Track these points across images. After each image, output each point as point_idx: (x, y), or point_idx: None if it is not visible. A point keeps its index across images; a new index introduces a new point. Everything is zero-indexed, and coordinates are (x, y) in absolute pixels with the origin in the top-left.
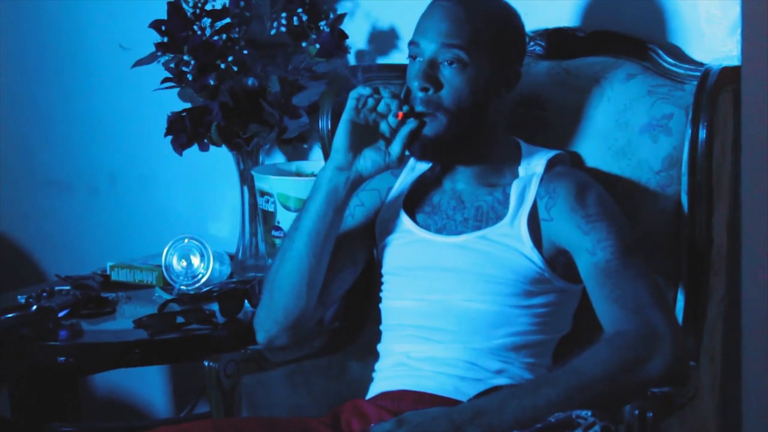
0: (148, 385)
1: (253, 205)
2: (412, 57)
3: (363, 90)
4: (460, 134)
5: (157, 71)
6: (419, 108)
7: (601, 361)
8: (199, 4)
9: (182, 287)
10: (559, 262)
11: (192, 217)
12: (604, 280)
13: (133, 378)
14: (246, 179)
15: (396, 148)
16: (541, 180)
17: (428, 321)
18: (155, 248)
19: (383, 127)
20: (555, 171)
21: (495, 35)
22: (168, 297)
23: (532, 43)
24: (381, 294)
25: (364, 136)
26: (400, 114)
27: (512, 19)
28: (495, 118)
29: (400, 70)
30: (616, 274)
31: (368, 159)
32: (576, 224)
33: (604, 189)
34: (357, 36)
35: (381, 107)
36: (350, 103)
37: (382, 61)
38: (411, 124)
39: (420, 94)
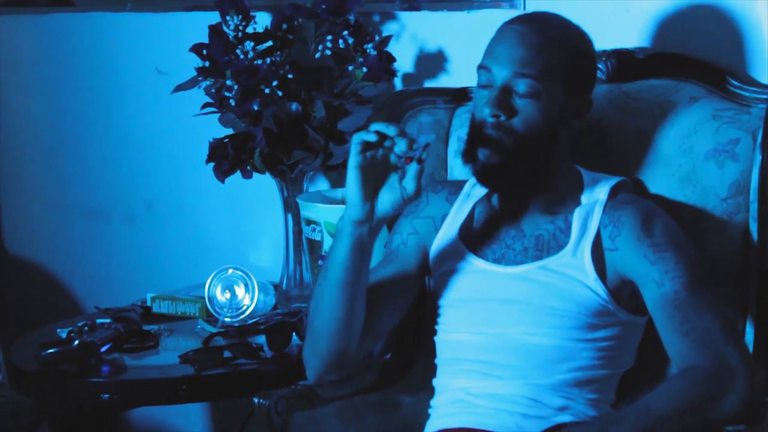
0: (188, 419)
1: (298, 233)
2: (482, 85)
3: (366, 135)
4: (527, 163)
5: (196, 96)
6: (490, 132)
7: (672, 398)
8: (241, 27)
9: (227, 319)
10: (623, 294)
11: (232, 246)
12: (673, 313)
13: (173, 411)
14: (290, 207)
15: (411, 184)
16: (605, 208)
17: (487, 355)
18: (195, 278)
19: (393, 159)
20: (619, 198)
21: (569, 64)
22: (212, 330)
23: None
24: (436, 326)
25: (375, 178)
26: (408, 159)
27: (586, 46)
28: (562, 148)
29: (448, 93)
30: (686, 306)
31: (386, 202)
32: (643, 254)
33: (671, 217)
34: (404, 59)
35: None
36: (354, 149)
37: (429, 84)
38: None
39: (491, 120)
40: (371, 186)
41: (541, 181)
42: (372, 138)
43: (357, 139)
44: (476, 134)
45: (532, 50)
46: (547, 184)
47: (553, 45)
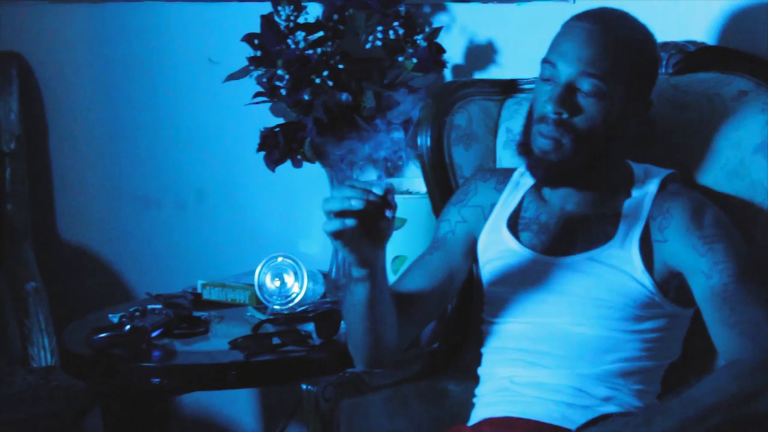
0: (237, 405)
1: None
2: (545, 79)
3: (331, 204)
4: (583, 161)
5: (248, 86)
6: (550, 128)
7: (718, 390)
8: (293, 17)
9: (276, 307)
10: (671, 286)
11: (282, 235)
12: (721, 305)
13: (222, 397)
14: None
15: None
16: (654, 200)
17: (533, 345)
18: (245, 266)
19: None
20: (668, 190)
21: (634, 66)
22: (261, 317)
23: None
24: (483, 315)
25: (358, 233)
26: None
27: (651, 47)
28: (619, 147)
29: (498, 85)
30: (734, 299)
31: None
32: (692, 245)
33: (720, 209)
34: (453, 50)
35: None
36: (328, 224)
37: (479, 75)
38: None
39: (553, 117)
40: (358, 244)
41: (594, 175)
42: (339, 206)
43: (325, 208)
44: (535, 128)
45: (599, 50)
46: (600, 177)
47: (621, 46)
